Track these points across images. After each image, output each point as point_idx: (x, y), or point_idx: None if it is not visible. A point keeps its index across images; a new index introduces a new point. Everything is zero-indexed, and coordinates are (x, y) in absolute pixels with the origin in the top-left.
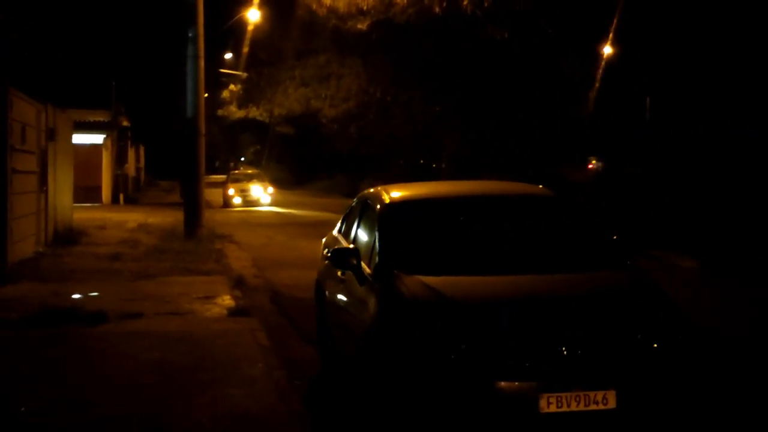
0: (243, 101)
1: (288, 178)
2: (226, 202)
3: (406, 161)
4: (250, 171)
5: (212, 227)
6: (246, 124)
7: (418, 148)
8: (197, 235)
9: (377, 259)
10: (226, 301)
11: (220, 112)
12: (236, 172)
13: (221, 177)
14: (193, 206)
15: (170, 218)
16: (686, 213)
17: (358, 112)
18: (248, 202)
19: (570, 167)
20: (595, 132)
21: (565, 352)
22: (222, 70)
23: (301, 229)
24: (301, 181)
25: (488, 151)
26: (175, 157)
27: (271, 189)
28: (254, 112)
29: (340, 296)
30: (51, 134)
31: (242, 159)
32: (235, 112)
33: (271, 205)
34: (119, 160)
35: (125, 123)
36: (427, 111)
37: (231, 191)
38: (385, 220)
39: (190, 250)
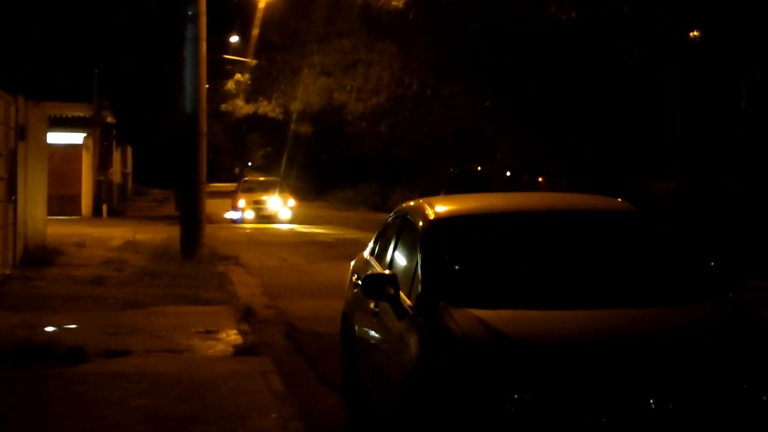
0: (251, 94)
1: (305, 187)
2: (236, 217)
3: (448, 167)
4: (265, 178)
5: (214, 246)
6: (255, 121)
7: (463, 151)
8: (196, 256)
9: (420, 287)
10: (232, 336)
11: (224, 107)
12: (249, 179)
13: (226, 185)
14: (191, 220)
15: (163, 234)
16: None
17: (391, 108)
18: (264, 218)
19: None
20: (682, 132)
21: (653, 407)
22: (227, 57)
23: (321, 249)
24: (321, 191)
25: (551, 156)
26: (170, 161)
27: (292, 201)
28: (265, 107)
29: (373, 333)
30: (21, 132)
31: (249, 164)
32: (242, 107)
33: (290, 221)
34: (102, 163)
35: (110, 119)
36: (475, 107)
37: (242, 203)
38: (430, 240)
39: (187, 274)
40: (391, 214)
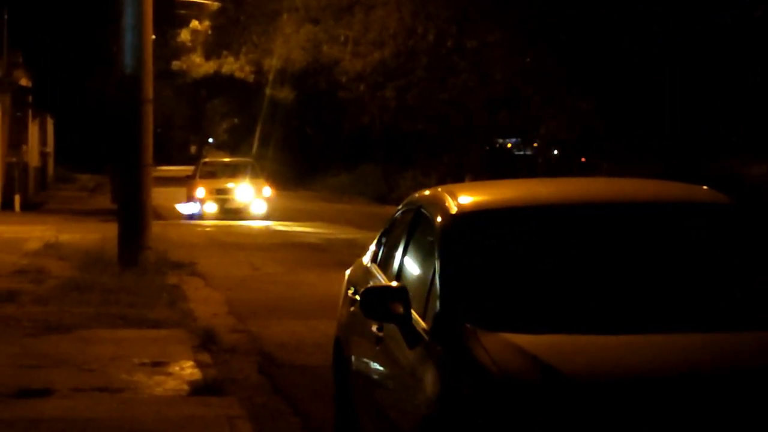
0: (213, 48)
1: (285, 171)
2: (194, 211)
3: (476, 145)
4: (232, 160)
5: (164, 250)
6: (217, 84)
7: (494, 124)
8: (140, 263)
9: (439, 304)
10: (187, 369)
11: (176, 64)
12: (210, 161)
13: (179, 169)
14: (132, 216)
15: (96, 235)
16: None
17: (399, 66)
18: (230, 212)
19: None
20: None
21: None
22: None
23: (307, 254)
24: (306, 177)
25: (614, 130)
26: (105, 138)
27: (268, 190)
28: (231, 65)
29: (376, 365)
30: None
31: (210, 141)
32: (200, 64)
33: (266, 216)
34: (14, 140)
35: (24, 81)
36: (511, 64)
37: (201, 192)
38: (452, 240)
39: (128, 288)
40: (400, 206)
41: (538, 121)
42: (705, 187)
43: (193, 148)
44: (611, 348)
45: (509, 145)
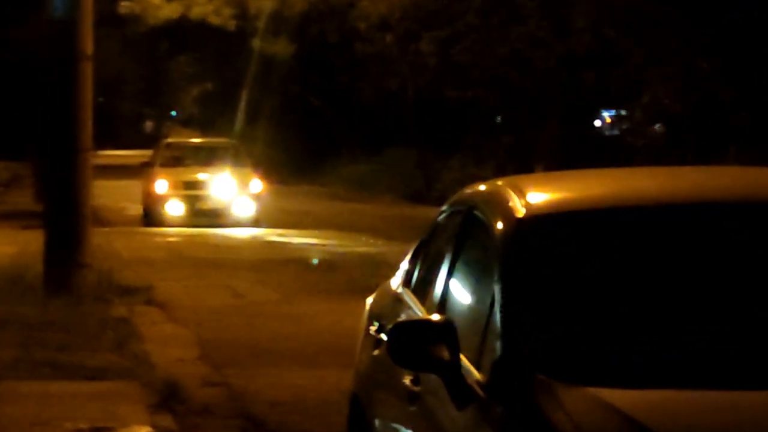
0: None
1: (281, 157)
2: (152, 213)
3: (550, 119)
4: (205, 141)
5: (108, 269)
6: (183, 36)
7: (578, 91)
8: (74, 288)
9: (501, 347)
10: None
11: (125, 6)
12: (175, 142)
13: (130, 154)
14: (65, 221)
15: (11, 247)
16: None
17: (440, 9)
18: (203, 213)
19: None
20: None
21: None
22: None
23: (310, 275)
24: (311, 166)
25: (750, 102)
26: (25, 111)
27: (257, 184)
28: (203, 7)
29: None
30: None
31: (173, 114)
32: (158, 6)
33: (254, 221)
34: None
35: None
36: (601, 8)
37: (161, 187)
38: (520, 256)
39: (57, 322)
40: (444, 207)
41: (639, 87)
42: None
43: (149, 125)
44: (735, 407)
45: (599, 123)
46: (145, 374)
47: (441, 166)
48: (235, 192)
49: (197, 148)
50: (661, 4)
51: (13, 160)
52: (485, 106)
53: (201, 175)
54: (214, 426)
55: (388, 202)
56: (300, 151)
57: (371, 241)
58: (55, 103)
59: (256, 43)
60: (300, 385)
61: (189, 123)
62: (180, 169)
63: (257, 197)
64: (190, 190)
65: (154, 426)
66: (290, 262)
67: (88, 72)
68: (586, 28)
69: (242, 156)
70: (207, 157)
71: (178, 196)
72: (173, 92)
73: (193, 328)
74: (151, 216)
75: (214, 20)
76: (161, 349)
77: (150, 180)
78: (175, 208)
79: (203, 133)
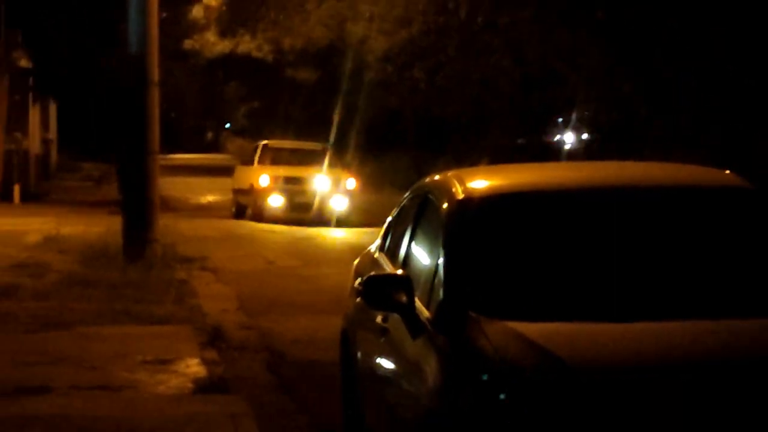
0: (228, 25)
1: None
2: (253, 206)
3: (510, 130)
4: (300, 145)
5: (172, 244)
6: (234, 65)
7: (530, 106)
8: (146, 257)
9: (442, 292)
10: (192, 367)
11: (188, 43)
12: (273, 144)
13: (195, 157)
14: (138, 207)
15: (100, 228)
16: None
17: (429, 45)
18: (300, 207)
19: None
20: None
21: None
22: None
23: (326, 247)
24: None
25: (661, 116)
26: (111, 124)
27: (352, 182)
28: (247, 44)
29: (381, 357)
30: None
31: (228, 126)
32: (214, 43)
33: (347, 217)
34: (12, 125)
35: (24, 62)
36: (548, 45)
37: (265, 181)
38: (457, 226)
39: (133, 282)
40: (408, 193)
41: (574, 105)
42: (728, 172)
43: (209, 135)
44: (618, 336)
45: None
46: (198, 321)
47: (430, 165)
48: (332, 188)
49: (293, 150)
50: (593, 38)
51: (102, 162)
52: (464, 120)
53: (303, 173)
54: (247, 358)
55: (390, 193)
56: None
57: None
58: (131, 118)
59: (289, 71)
60: (314, 327)
61: (239, 132)
62: (282, 167)
63: (351, 194)
64: (293, 186)
65: (202, 359)
66: (305, 237)
67: (155, 94)
68: (536, 59)
69: (333, 157)
70: (302, 157)
71: (280, 191)
72: (227, 109)
73: (234, 286)
74: (252, 208)
75: (256, 54)
76: (210, 302)
77: (254, 175)
78: (276, 201)
79: (252, 140)
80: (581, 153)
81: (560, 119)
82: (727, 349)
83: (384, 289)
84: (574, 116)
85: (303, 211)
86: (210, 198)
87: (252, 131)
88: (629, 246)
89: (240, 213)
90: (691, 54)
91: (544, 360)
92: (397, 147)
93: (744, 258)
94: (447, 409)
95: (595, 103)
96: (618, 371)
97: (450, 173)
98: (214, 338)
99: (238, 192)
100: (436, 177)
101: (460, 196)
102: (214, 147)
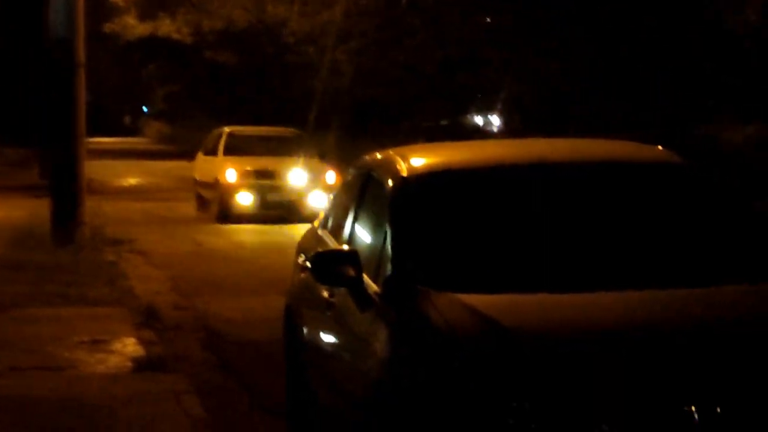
0: (148, 8)
1: None
2: (223, 206)
3: (432, 112)
4: (269, 131)
5: (100, 226)
6: (153, 47)
7: (453, 90)
8: (74, 240)
9: (390, 267)
10: (130, 347)
11: (108, 27)
12: (237, 131)
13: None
14: (66, 190)
15: (24, 211)
16: None
17: (350, 27)
18: (274, 205)
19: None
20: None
21: (695, 416)
22: None
23: (257, 226)
24: None
25: (585, 96)
26: (33, 107)
27: (332, 176)
28: (167, 27)
29: (328, 331)
30: None
31: (145, 109)
32: (134, 26)
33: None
34: None
35: None
36: (470, 25)
37: (231, 175)
38: (403, 203)
39: (64, 265)
40: (351, 170)
41: (497, 89)
42: (659, 147)
43: (127, 119)
44: (559, 305)
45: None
46: (131, 302)
47: (352, 146)
48: (310, 183)
49: (261, 138)
50: (519, 20)
51: (22, 147)
52: (387, 102)
53: (274, 165)
54: (183, 338)
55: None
56: None
57: None
58: (59, 100)
59: (209, 53)
60: (249, 307)
61: (158, 116)
62: (248, 159)
63: (333, 190)
64: (263, 179)
65: (138, 339)
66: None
67: (82, 77)
68: (457, 44)
69: (310, 146)
70: (273, 147)
71: (249, 187)
72: (146, 92)
73: (166, 269)
74: (218, 205)
75: (176, 36)
76: (142, 284)
77: (215, 169)
78: (245, 199)
79: (171, 125)
80: (506, 134)
81: (484, 100)
82: (660, 318)
83: (332, 265)
84: (498, 97)
85: (277, 210)
86: (132, 181)
87: (170, 115)
88: (566, 219)
89: (202, 206)
90: (616, 35)
91: (489, 329)
92: (320, 130)
93: (675, 230)
94: (397, 380)
95: (518, 85)
96: (557, 338)
97: (391, 151)
98: (149, 318)
99: (200, 184)
100: (378, 155)
101: (405, 173)
102: (132, 131)
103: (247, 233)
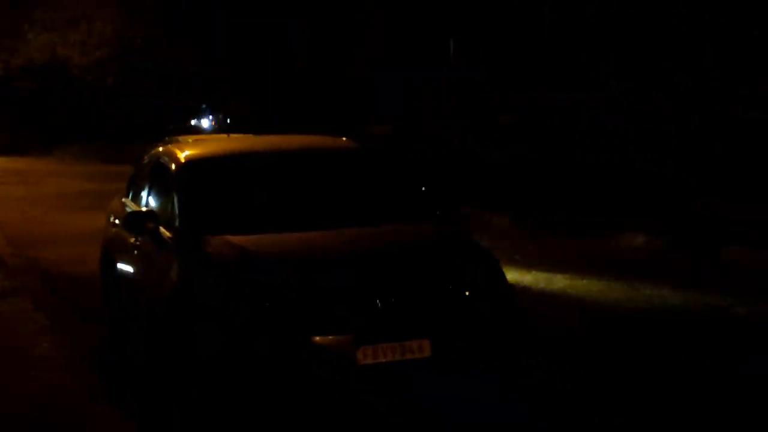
0: None
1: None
2: None
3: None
4: None
5: None
6: None
7: (170, 99)
8: None
9: (178, 222)
10: None
11: None
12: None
13: None
14: None
15: None
16: (497, 176)
17: (117, 58)
18: None
19: (372, 122)
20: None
21: (379, 305)
22: None
23: (62, 201)
24: (48, 148)
25: (278, 109)
26: None
27: None
28: None
29: (134, 266)
30: None
31: None
32: None
33: None
34: None
35: None
36: (183, 55)
37: None
38: (184, 179)
39: None
40: (145, 157)
41: (223, 101)
42: (345, 138)
43: None
44: (289, 240)
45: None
46: None
47: (126, 145)
48: None
49: None
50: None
51: None
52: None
53: None
54: (23, 277)
55: (93, 164)
56: (33, 140)
57: (92, 185)
58: None
59: (15, 83)
60: (69, 254)
61: None
62: None
63: None
64: None
65: None
66: (46, 195)
67: None
68: (189, 71)
69: None
70: None
71: None
72: None
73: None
74: None
75: None
76: None
77: None
78: None
79: None
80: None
81: (203, 106)
82: (349, 243)
83: (139, 220)
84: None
85: None
86: None
87: None
88: (287, 187)
89: None
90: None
91: (244, 254)
92: (101, 135)
93: (357, 191)
94: (185, 297)
95: (237, 102)
96: (289, 257)
97: (171, 145)
98: None
99: None
100: (161, 148)
101: (183, 159)
102: None
103: (63, 207)
